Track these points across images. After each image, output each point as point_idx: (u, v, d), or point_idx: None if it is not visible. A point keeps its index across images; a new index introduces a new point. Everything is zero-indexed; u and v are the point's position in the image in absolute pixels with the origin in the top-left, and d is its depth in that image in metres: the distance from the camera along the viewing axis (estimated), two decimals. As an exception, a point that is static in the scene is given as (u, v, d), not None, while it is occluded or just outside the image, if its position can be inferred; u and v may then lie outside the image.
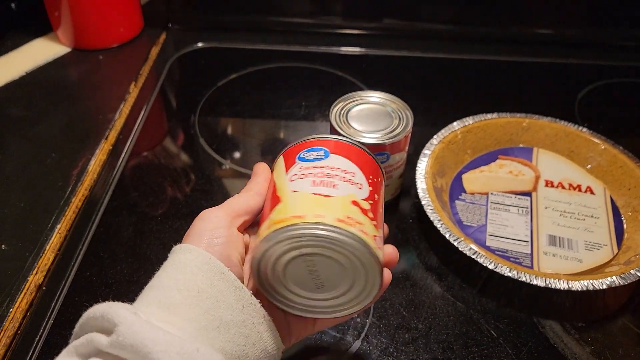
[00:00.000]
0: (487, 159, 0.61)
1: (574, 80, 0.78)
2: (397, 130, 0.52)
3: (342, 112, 0.54)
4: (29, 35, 0.81)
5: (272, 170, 0.39)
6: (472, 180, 0.58)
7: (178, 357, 0.27)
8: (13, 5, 0.83)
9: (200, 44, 0.83)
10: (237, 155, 0.65)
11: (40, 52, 0.78)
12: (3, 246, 0.52)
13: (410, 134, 0.54)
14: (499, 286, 0.51)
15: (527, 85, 0.78)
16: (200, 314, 0.30)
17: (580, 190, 0.58)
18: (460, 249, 0.48)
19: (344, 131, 0.52)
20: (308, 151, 0.38)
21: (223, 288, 0.32)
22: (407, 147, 0.55)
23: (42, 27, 0.81)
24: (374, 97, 0.56)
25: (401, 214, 0.58)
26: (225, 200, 0.37)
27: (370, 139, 0.51)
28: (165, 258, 0.52)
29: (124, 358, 0.28)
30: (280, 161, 0.38)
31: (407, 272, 0.52)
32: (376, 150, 0.52)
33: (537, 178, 0.59)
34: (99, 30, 0.78)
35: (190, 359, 0.27)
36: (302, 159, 0.37)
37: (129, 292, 0.50)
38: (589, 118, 0.70)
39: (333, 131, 0.53)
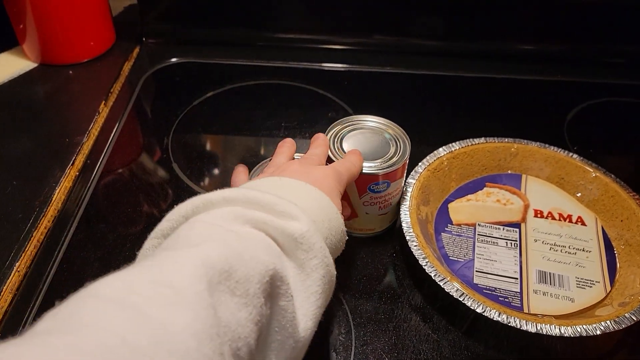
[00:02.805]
0: (474, 186, 0.58)
1: (563, 99, 0.76)
2: (395, 159, 0.50)
3: (337, 137, 0.51)
4: (-8, 49, 0.77)
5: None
6: (459, 210, 0.56)
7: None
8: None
9: (174, 59, 0.79)
10: (212, 182, 0.62)
11: (4, 67, 0.74)
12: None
13: (407, 161, 0.51)
14: (487, 327, 0.48)
15: (515, 103, 0.76)
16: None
17: (570, 220, 0.55)
18: (446, 290, 0.46)
19: (337, 159, 0.49)
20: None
21: (336, 225, 0.37)
22: (404, 174, 0.52)
23: (7, 41, 0.76)
24: (370, 122, 0.53)
25: (384, 246, 0.55)
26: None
27: (366, 168, 0.49)
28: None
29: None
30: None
31: (390, 312, 0.49)
32: (372, 180, 0.49)
33: (526, 207, 0.56)
34: (67, 44, 0.74)
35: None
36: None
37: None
38: (579, 140, 0.68)
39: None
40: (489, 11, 0.79)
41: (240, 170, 0.48)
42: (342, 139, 0.51)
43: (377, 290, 0.51)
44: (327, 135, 0.51)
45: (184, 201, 0.32)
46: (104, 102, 0.69)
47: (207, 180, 0.62)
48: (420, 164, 0.57)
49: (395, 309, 0.50)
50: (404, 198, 0.54)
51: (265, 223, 0.31)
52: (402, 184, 0.53)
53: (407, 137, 0.52)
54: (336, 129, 0.52)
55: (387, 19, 0.80)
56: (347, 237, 0.39)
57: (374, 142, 0.51)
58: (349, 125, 0.53)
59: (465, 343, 0.47)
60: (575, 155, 0.59)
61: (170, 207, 0.57)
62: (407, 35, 0.81)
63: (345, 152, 0.50)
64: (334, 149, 0.50)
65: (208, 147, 0.68)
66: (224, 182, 0.62)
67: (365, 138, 0.52)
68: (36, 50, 0.74)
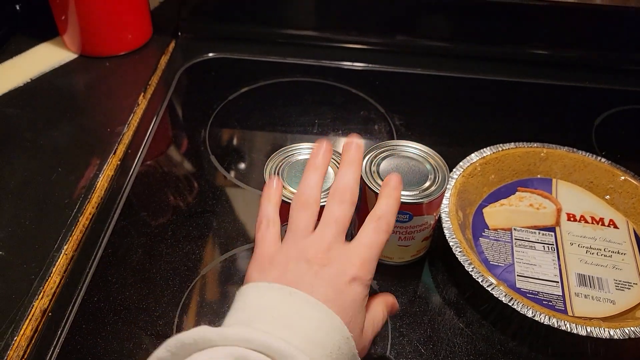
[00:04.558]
0: (506, 191, 0.59)
1: (591, 105, 0.77)
2: (424, 193, 0.48)
3: (373, 164, 0.50)
4: (34, 39, 0.78)
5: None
6: (494, 215, 0.57)
7: None
8: (18, 7, 0.81)
9: (210, 54, 0.81)
10: (248, 174, 0.64)
11: (45, 57, 0.76)
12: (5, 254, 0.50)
13: (440, 200, 0.50)
14: (531, 329, 0.49)
15: (544, 108, 0.77)
16: None
17: (603, 224, 0.57)
18: (495, 295, 0.47)
19: (373, 186, 0.48)
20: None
21: (346, 351, 0.35)
22: (435, 213, 0.51)
23: (48, 31, 0.78)
24: (407, 149, 0.51)
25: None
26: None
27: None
28: (175, 284, 0.51)
29: None
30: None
31: (424, 305, 0.51)
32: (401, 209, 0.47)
33: (559, 211, 0.58)
34: (106, 37, 0.76)
35: None
36: None
37: (138, 321, 0.48)
38: (607, 145, 0.69)
39: (362, 184, 0.49)
40: (522, 17, 0.80)
41: (274, 189, 0.45)
42: (378, 166, 0.50)
43: (412, 285, 0.53)
44: (364, 158, 0.50)
45: (185, 331, 0.32)
46: (142, 94, 0.71)
47: (243, 173, 0.64)
48: (454, 169, 0.58)
49: (430, 303, 0.51)
50: (443, 204, 0.54)
51: None
52: (432, 222, 0.51)
53: (447, 170, 0.50)
54: (372, 154, 0.51)
55: (417, 22, 0.82)
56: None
57: (412, 171, 0.50)
58: (385, 151, 0.51)
59: (499, 338, 0.49)
60: (603, 160, 0.61)
61: (209, 196, 0.59)
62: (438, 38, 0.83)
63: (381, 178, 0.48)
64: (369, 176, 0.49)
65: (244, 140, 0.69)
66: (260, 174, 0.63)
67: (405, 165, 0.50)
68: (76, 41, 0.76)
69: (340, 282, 0.37)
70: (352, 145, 0.44)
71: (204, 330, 0.31)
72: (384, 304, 0.42)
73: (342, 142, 0.67)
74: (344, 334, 0.35)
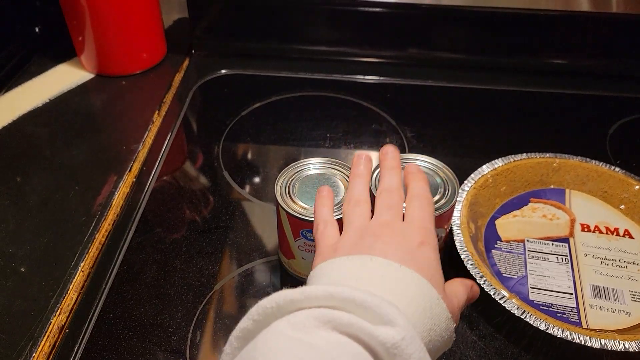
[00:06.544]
0: (518, 202, 0.59)
1: (604, 113, 0.77)
2: (441, 202, 0.48)
3: (377, 178, 0.49)
4: (52, 60, 0.81)
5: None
6: (506, 226, 0.57)
7: None
8: (37, 29, 0.83)
9: (223, 71, 0.82)
10: (261, 189, 0.64)
11: (64, 78, 0.78)
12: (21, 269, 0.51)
13: (453, 208, 0.49)
14: (544, 342, 0.49)
15: (557, 118, 0.77)
16: (424, 331, 0.32)
17: (618, 234, 0.56)
18: (507, 308, 0.47)
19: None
20: (309, 232, 0.47)
21: (438, 312, 0.34)
22: (449, 223, 0.51)
23: (66, 52, 0.80)
24: (417, 163, 0.51)
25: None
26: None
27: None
28: (189, 300, 0.52)
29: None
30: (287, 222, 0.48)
31: (437, 319, 0.51)
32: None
33: (573, 222, 0.57)
34: (122, 56, 0.78)
35: None
36: (305, 237, 0.48)
37: (152, 337, 0.49)
38: (622, 154, 0.69)
39: (371, 197, 0.47)
40: (534, 26, 0.80)
41: (325, 196, 0.45)
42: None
43: (424, 298, 0.53)
44: (373, 172, 0.49)
45: (267, 297, 0.30)
46: (157, 111, 0.73)
47: (256, 188, 0.64)
48: (466, 181, 0.58)
49: (442, 317, 0.51)
50: (454, 216, 0.54)
51: (352, 326, 0.28)
52: (443, 235, 0.50)
53: (457, 183, 0.49)
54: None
55: (428, 34, 0.82)
56: (454, 324, 0.35)
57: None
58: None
59: (512, 351, 0.48)
60: (617, 169, 0.60)
61: (222, 211, 0.60)
62: (448, 50, 0.83)
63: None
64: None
65: (257, 156, 0.70)
66: (272, 189, 0.64)
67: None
68: (93, 61, 0.78)
69: (411, 246, 0.36)
70: (388, 154, 0.47)
71: (285, 292, 0.30)
72: (460, 283, 0.41)
73: (352, 154, 0.69)
74: (433, 294, 0.33)
